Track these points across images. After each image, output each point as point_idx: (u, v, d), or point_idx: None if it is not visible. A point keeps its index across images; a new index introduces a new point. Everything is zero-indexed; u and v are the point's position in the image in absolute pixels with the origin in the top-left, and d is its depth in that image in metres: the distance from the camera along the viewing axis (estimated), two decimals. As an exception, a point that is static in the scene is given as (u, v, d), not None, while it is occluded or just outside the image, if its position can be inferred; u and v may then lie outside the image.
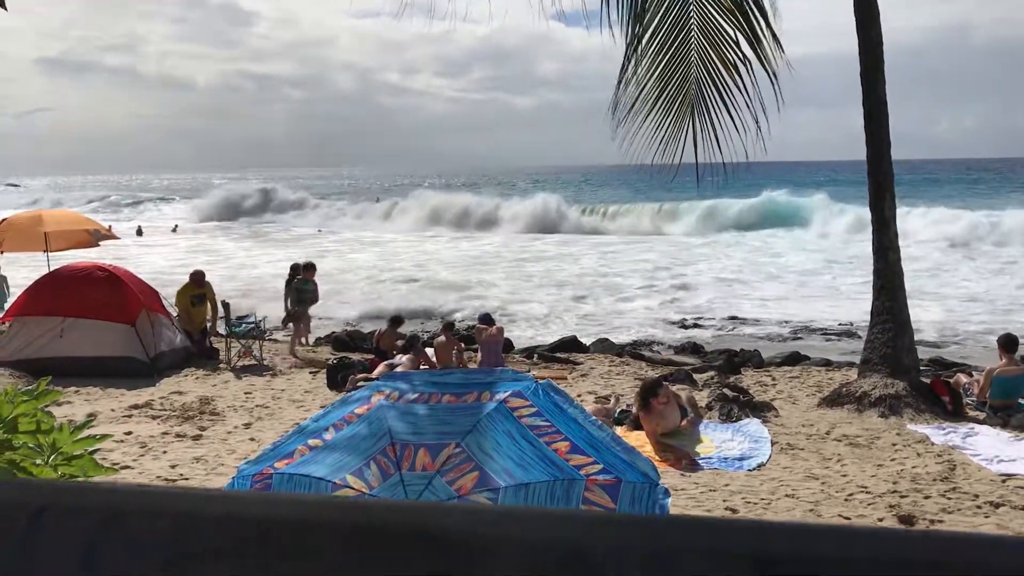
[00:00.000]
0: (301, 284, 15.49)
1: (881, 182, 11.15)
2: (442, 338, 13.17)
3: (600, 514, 0.99)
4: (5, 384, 8.81)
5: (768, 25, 5.36)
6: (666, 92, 6.09)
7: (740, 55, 5.68)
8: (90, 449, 4.95)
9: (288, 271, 16.47)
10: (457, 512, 0.68)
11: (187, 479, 8.11)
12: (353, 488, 4.39)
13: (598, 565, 0.61)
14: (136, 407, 10.73)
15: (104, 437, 5.54)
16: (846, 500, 7.49)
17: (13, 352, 12.17)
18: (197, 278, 14.71)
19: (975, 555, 0.61)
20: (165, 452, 8.95)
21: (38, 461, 4.60)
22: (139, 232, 45.99)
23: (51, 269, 13.86)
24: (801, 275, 27.17)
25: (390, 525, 0.66)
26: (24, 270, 17.98)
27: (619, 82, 5.61)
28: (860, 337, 15.01)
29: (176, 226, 52.41)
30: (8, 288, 16.65)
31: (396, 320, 14.13)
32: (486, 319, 13.43)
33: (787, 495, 7.64)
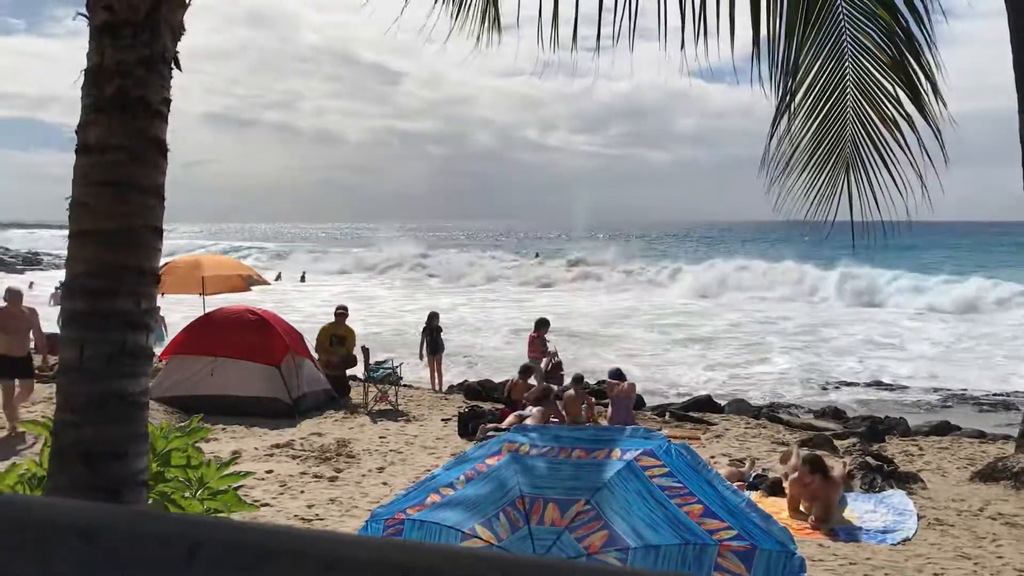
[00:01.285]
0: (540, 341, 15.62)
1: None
2: (571, 392, 13.10)
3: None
4: (160, 419, 9.32)
5: (931, 81, 5.17)
6: (820, 149, 5.95)
7: (901, 112, 5.48)
8: (234, 485, 5.18)
9: (426, 318, 16.93)
10: (595, 572, 0.68)
11: (322, 520, 8.33)
12: (482, 538, 4.41)
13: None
14: (278, 446, 11.13)
15: (247, 474, 5.81)
16: (1002, 584, 6.97)
17: (168, 389, 12.85)
18: (340, 312, 15.64)
19: None
20: (303, 492, 9.22)
21: (186, 495, 4.85)
22: (302, 279, 49.03)
23: (206, 311, 14.65)
24: (954, 341, 25.79)
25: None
26: (182, 311, 19.04)
27: (769, 138, 5.50)
28: (1018, 408, 14.08)
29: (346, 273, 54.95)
30: (166, 328, 17.66)
31: (526, 370, 14.16)
32: (617, 374, 13.31)
33: (935, 574, 7.17)
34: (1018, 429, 11.10)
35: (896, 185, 5.68)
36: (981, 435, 13.36)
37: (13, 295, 11.27)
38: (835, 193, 6.02)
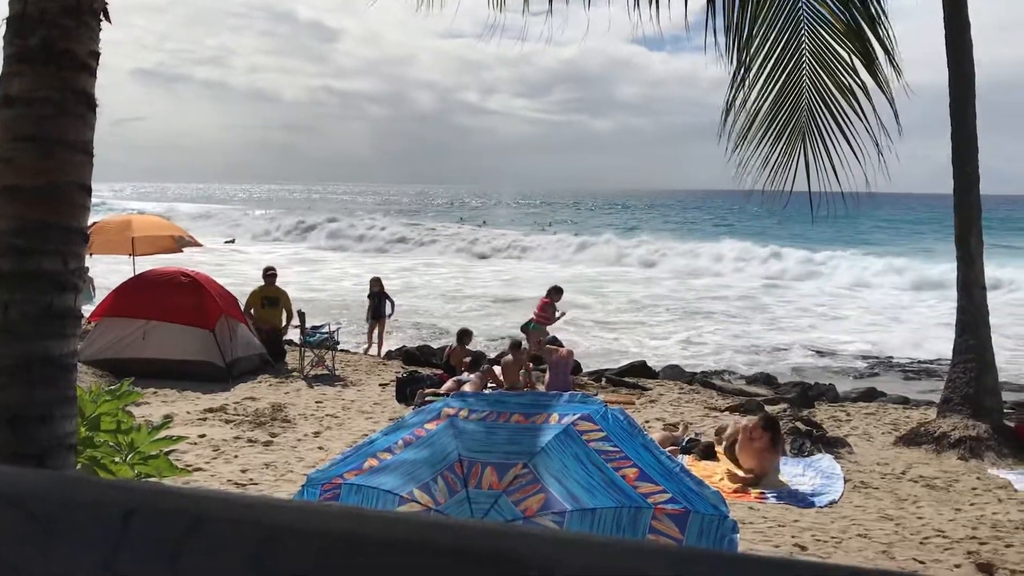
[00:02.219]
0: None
1: (968, 217, 10.83)
2: (509, 357, 13.13)
3: (669, 546, 0.97)
4: (89, 383, 9.09)
5: (885, 49, 5.21)
6: (777, 119, 5.96)
7: (856, 79, 5.51)
8: (166, 450, 5.09)
9: (369, 284, 16.83)
10: (544, 538, 0.67)
11: (256, 484, 8.25)
12: (420, 503, 4.42)
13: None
14: (211, 411, 10.97)
15: (179, 439, 5.70)
16: (921, 544, 7.23)
17: (97, 352, 12.54)
18: (270, 273, 15.19)
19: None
20: (236, 456, 9.12)
21: (116, 459, 4.75)
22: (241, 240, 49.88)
23: (136, 273, 14.29)
24: (881, 310, 26.55)
25: (475, 547, 0.66)
26: (110, 272, 18.57)
27: (726, 109, 5.49)
28: (940, 376, 14.56)
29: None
30: (95, 289, 17.18)
31: (464, 334, 14.13)
32: (554, 340, 13.38)
33: (859, 535, 7.42)
34: (940, 396, 11.48)
35: (855, 154, 5.74)
36: (905, 401, 13.81)
37: None
38: (791, 163, 6.05)
